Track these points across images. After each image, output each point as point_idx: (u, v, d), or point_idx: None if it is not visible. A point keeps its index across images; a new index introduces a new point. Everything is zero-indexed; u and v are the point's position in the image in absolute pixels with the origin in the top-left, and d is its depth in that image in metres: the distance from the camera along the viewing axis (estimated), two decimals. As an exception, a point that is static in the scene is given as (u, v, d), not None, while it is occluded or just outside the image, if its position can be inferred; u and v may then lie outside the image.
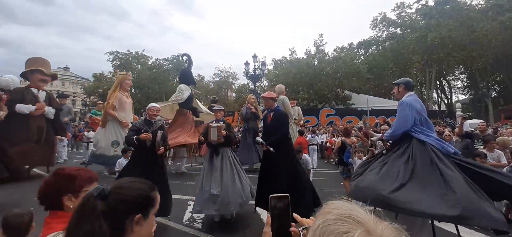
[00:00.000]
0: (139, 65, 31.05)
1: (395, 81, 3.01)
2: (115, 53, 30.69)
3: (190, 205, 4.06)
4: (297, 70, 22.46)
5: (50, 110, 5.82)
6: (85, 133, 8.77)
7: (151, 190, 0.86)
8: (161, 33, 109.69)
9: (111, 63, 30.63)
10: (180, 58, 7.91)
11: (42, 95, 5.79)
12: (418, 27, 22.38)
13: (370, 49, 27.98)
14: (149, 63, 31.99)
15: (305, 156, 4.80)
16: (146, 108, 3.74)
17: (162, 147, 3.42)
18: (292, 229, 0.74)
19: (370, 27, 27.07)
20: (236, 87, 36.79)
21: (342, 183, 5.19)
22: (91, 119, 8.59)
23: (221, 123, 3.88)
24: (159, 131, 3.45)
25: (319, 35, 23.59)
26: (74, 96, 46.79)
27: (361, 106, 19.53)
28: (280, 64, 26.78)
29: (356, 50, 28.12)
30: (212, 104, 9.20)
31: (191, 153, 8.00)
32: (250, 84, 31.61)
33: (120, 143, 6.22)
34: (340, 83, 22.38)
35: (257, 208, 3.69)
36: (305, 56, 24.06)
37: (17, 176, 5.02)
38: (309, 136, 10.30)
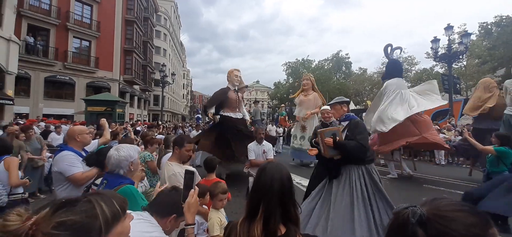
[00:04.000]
0: (305, 70, 34.94)
1: None
2: (287, 64, 37.63)
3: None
4: (540, 30, 13.75)
5: None
6: (277, 129, 12.23)
7: (486, 227, 0.59)
8: (319, 36, 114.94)
9: (285, 72, 37.76)
10: (389, 50, 6.79)
11: None
12: None
13: None
14: (313, 66, 35.08)
15: None
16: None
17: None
18: None
19: None
20: (412, 75, 28.98)
21: None
22: (280, 119, 12.26)
23: (340, 125, 2.62)
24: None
25: None
26: (263, 101, 64.07)
27: None
28: (497, 29, 17.57)
29: None
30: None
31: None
32: (438, 67, 23.97)
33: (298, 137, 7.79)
34: None
35: None
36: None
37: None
38: None
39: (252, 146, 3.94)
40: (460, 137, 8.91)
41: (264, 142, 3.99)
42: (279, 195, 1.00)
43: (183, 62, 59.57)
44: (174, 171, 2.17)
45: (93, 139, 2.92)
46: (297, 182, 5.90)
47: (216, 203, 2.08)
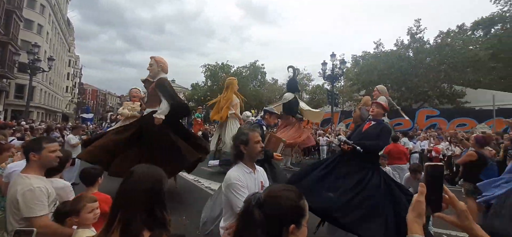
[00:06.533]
0: (224, 74, 35.59)
1: None
2: (206, 66, 36.81)
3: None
4: (384, 66, 19.51)
5: None
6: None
7: (299, 199, 0.85)
8: (240, 44, 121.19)
9: (204, 74, 36.81)
10: (289, 70, 9.38)
11: None
12: None
13: (493, 29, 21.22)
14: (231, 71, 36.14)
15: (389, 168, 4.38)
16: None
17: None
18: None
19: (491, 1, 20.57)
20: (310, 89, 36.26)
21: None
22: (195, 121, 11.58)
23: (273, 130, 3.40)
24: None
25: (415, 20, 19.67)
26: None
27: (481, 104, 14.96)
28: (362, 61, 23.96)
29: (470, 33, 21.88)
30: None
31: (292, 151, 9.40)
32: (326, 85, 30.40)
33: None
34: (446, 76, 17.82)
35: None
36: (395, 48, 20.65)
37: None
38: (411, 142, 8.58)
39: (237, 175, 1.71)
40: (337, 139, 11.50)
41: (258, 167, 1.93)
42: (143, 200, 0.94)
43: (70, 46, 47.34)
44: (32, 185, 1.58)
45: None
46: (206, 186, 5.69)
47: (85, 217, 1.61)
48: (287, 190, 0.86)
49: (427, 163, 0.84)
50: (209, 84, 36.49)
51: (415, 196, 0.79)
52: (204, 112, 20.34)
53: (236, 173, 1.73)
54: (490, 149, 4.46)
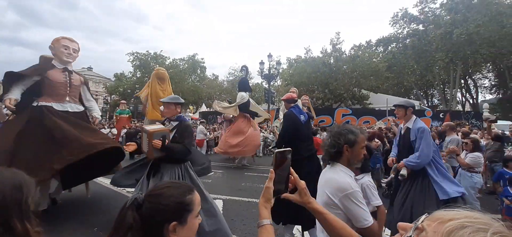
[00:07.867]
0: (157, 65, 32.30)
1: (400, 104, 3.06)
2: (135, 54, 32.20)
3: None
4: (312, 70, 22.16)
5: None
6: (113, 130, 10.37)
7: (185, 194, 0.80)
8: (177, 35, 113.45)
9: (132, 63, 32.21)
10: (240, 71, 9.55)
11: None
12: (442, 23, 21.27)
13: (390, 47, 26.96)
14: (167, 63, 32.92)
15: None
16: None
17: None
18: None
19: (389, 24, 26.05)
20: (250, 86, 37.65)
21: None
22: (117, 117, 10.35)
23: (164, 125, 2.67)
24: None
25: (336, 33, 23.09)
26: (96, 95, 50.11)
27: (379, 106, 18.92)
28: (295, 64, 26.54)
29: (374, 48, 27.20)
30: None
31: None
32: (264, 83, 32.22)
33: None
34: (357, 82, 21.76)
35: None
36: (321, 55, 23.70)
37: None
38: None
39: (351, 181, 1.42)
40: (272, 134, 12.49)
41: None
42: None
43: None
44: None
45: None
46: (127, 191, 4.89)
47: None
48: (171, 187, 0.82)
49: (276, 150, 0.85)
50: (138, 75, 32.22)
51: (266, 182, 0.80)
52: (132, 107, 18.06)
53: (348, 178, 1.41)
54: (376, 140, 5.93)
